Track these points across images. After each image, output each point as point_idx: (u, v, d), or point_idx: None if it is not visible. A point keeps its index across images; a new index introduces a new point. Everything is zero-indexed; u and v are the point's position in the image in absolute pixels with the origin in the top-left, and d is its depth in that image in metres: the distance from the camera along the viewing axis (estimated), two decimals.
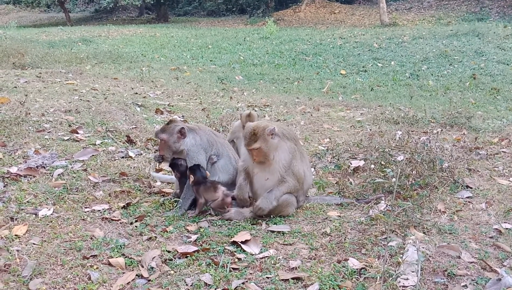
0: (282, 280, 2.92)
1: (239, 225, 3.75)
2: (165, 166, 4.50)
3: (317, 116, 8.07)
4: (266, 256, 3.22)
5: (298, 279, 2.93)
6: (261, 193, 3.92)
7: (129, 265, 3.06)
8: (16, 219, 3.60)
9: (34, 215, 3.67)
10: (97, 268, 3.00)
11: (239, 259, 3.18)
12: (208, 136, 4.24)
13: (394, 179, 4.13)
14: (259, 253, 3.26)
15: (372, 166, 4.93)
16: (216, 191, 3.95)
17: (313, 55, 16.72)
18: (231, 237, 3.45)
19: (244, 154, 4.05)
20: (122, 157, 5.19)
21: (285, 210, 3.93)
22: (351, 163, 5.14)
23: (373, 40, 18.34)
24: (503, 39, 16.78)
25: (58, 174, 4.48)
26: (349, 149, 5.73)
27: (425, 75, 13.51)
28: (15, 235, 3.33)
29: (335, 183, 4.67)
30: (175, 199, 4.11)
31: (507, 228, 3.64)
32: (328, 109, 8.89)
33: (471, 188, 4.55)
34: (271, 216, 3.88)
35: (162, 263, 3.10)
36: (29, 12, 39.42)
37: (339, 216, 3.96)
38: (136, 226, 3.63)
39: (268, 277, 2.96)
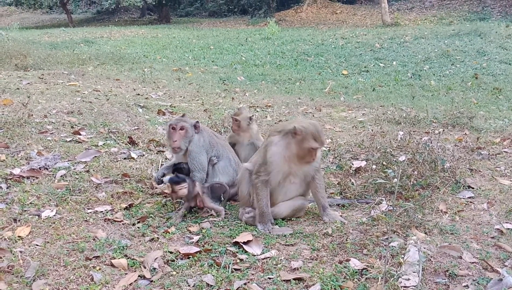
0: (284, 280, 2.93)
1: (241, 225, 3.77)
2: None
3: (319, 117, 8.08)
4: (268, 257, 3.24)
5: (299, 279, 2.94)
6: (282, 199, 3.92)
7: (131, 266, 3.07)
8: (19, 220, 3.62)
9: (37, 217, 3.69)
10: (99, 269, 3.01)
11: (241, 259, 3.19)
12: (210, 138, 4.26)
13: (395, 180, 4.14)
14: (261, 254, 3.27)
15: (374, 166, 4.94)
16: (195, 186, 3.98)
17: (315, 56, 16.72)
18: (233, 238, 3.47)
19: (276, 166, 3.77)
20: (125, 158, 5.21)
21: (298, 214, 3.99)
22: (352, 164, 5.15)
23: (375, 40, 18.33)
24: (505, 39, 16.75)
25: (61, 176, 4.50)
26: (351, 149, 5.74)
27: (427, 75, 13.49)
28: (18, 236, 3.35)
29: (337, 183, 4.68)
30: (177, 200, 4.12)
31: (508, 228, 3.65)
32: (330, 109, 8.90)
33: (473, 188, 4.56)
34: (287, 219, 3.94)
35: (164, 264, 3.12)
36: (31, 14, 39.51)
37: (340, 216, 3.96)
38: (138, 227, 3.64)
39: (270, 278, 2.97)
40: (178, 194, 3.95)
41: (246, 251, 3.29)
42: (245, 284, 2.88)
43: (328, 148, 5.95)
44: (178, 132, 4.09)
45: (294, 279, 2.94)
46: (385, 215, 3.82)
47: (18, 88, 8.68)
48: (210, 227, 3.73)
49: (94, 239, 3.40)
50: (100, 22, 34.48)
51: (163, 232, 3.58)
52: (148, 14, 37.77)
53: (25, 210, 3.78)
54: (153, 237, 3.48)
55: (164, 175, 4.32)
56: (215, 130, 6.43)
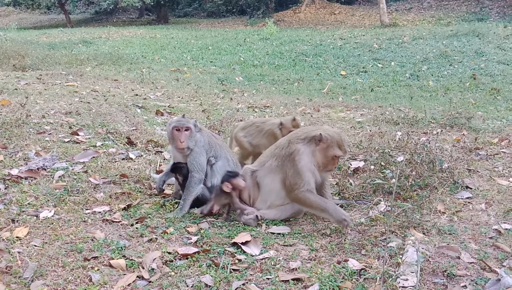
0: (282, 281, 2.93)
1: (239, 226, 3.77)
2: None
3: (317, 117, 8.08)
4: (266, 257, 3.23)
5: (298, 280, 2.94)
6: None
7: (129, 267, 3.07)
8: (17, 221, 3.61)
9: (35, 217, 3.68)
10: (98, 269, 3.01)
11: (240, 260, 3.19)
12: (209, 138, 4.26)
13: (393, 180, 4.14)
14: (259, 254, 3.27)
15: (372, 167, 4.94)
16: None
17: (313, 56, 16.74)
18: (232, 238, 3.47)
19: (309, 177, 3.75)
20: (123, 159, 5.20)
21: (296, 216, 3.98)
22: (351, 164, 5.15)
23: (373, 41, 18.36)
24: (503, 39, 16.79)
25: (59, 176, 4.50)
26: (349, 150, 5.73)
27: (425, 75, 13.53)
28: (16, 237, 3.34)
29: (335, 184, 4.68)
30: (176, 200, 4.12)
31: (506, 229, 3.65)
32: (328, 110, 8.91)
33: (471, 188, 4.56)
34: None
35: (163, 264, 3.11)
36: (30, 14, 39.48)
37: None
38: (136, 228, 3.63)
39: (268, 278, 2.97)
40: (240, 186, 3.92)
41: (244, 252, 3.29)
42: (243, 284, 2.88)
43: None
44: (183, 133, 4.07)
45: (293, 279, 2.94)
46: (383, 215, 3.83)
47: (16, 89, 8.67)
48: (209, 228, 3.72)
49: (92, 240, 3.40)
50: (98, 23, 34.48)
51: (162, 233, 3.57)
52: (146, 15, 37.77)
53: (23, 211, 3.77)
54: (152, 238, 3.48)
55: (164, 183, 4.32)
56: (214, 130, 6.44)
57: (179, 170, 4.18)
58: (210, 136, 4.33)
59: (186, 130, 4.07)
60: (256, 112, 8.35)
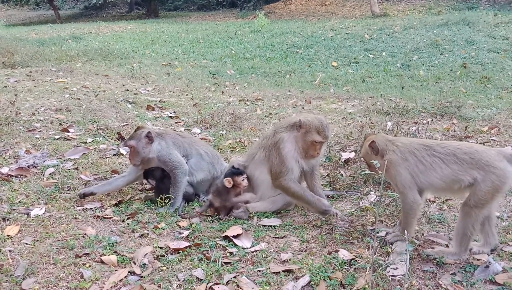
0: (274, 273, 2.96)
1: (230, 219, 3.78)
2: None
3: (309, 109, 8.09)
4: (258, 250, 3.25)
5: (289, 271, 2.97)
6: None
7: (121, 262, 3.08)
8: (8, 219, 3.61)
9: (26, 215, 3.68)
10: (89, 266, 3.02)
11: (231, 253, 3.21)
12: (173, 139, 4.26)
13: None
14: (250, 247, 3.29)
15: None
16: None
17: (304, 48, 16.70)
18: (223, 232, 3.48)
19: (293, 165, 3.79)
20: (114, 155, 5.19)
21: (287, 208, 4.00)
22: (341, 155, 5.17)
23: (364, 31, 18.34)
24: (493, 28, 16.83)
25: (50, 173, 4.49)
26: (340, 141, 5.75)
27: (416, 65, 13.55)
28: (7, 235, 3.35)
29: (326, 175, 4.70)
30: (167, 195, 4.11)
31: (496, 216, 3.68)
32: (320, 101, 8.92)
33: None
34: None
35: (154, 259, 3.13)
36: (18, 11, 39.10)
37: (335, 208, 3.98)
38: (128, 224, 3.64)
39: (259, 270, 2.99)
40: (242, 185, 3.93)
41: (236, 245, 3.31)
42: (235, 277, 2.90)
43: None
44: (130, 150, 4.15)
45: (284, 271, 2.97)
46: (373, 205, 3.84)
47: (5, 86, 8.61)
48: (200, 222, 3.74)
49: (83, 237, 3.40)
50: (87, 18, 34.21)
51: (153, 228, 3.58)
52: (136, 9, 37.49)
53: (14, 209, 3.77)
54: (143, 233, 3.49)
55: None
56: (205, 124, 6.44)
57: (150, 174, 4.20)
58: (175, 136, 4.32)
59: (130, 147, 4.13)
60: (248, 105, 8.35)
